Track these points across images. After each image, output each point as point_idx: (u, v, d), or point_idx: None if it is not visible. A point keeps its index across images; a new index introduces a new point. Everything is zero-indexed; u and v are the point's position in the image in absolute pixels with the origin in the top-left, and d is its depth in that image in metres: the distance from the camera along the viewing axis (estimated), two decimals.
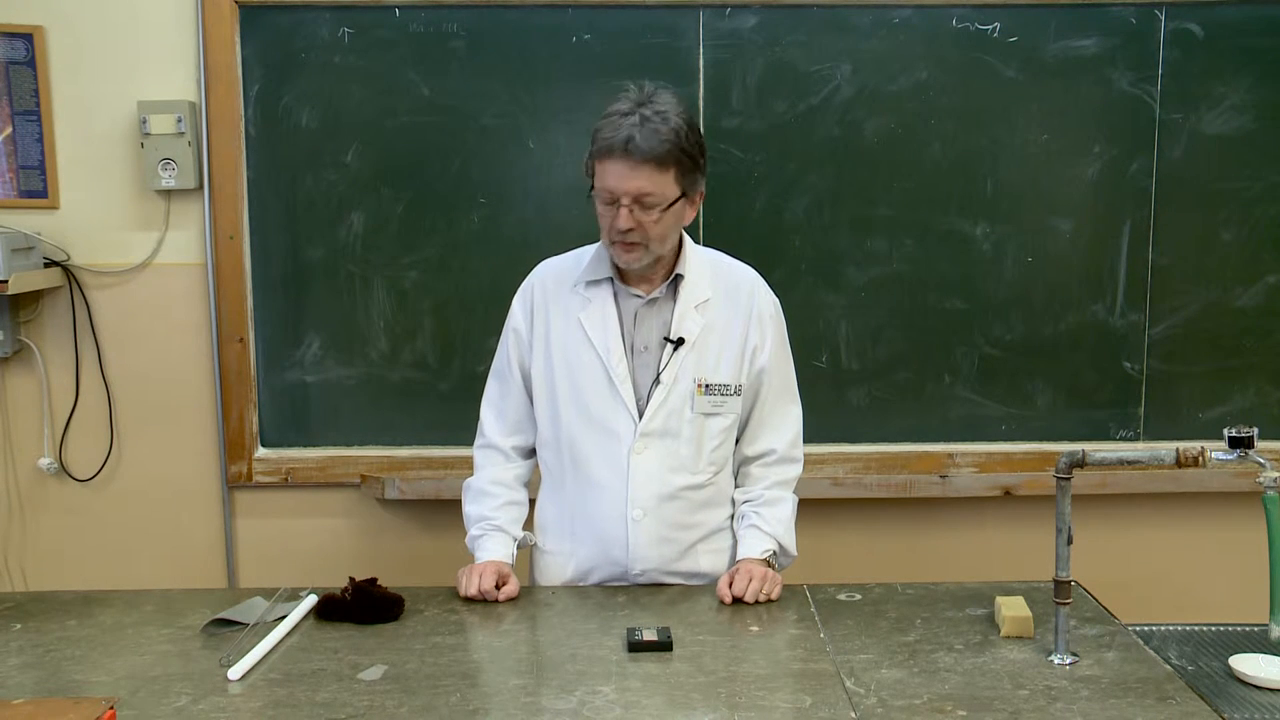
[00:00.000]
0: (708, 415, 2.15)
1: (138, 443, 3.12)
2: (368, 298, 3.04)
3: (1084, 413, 3.09)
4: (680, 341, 2.12)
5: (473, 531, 2.20)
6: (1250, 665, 1.83)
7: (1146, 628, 2.03)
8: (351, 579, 2.03)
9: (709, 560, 2.22)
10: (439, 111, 2.98)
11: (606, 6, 2.94)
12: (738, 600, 2.05)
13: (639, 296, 2.13)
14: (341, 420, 3.09)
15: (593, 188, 2.04)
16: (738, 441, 2.25)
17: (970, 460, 3.09)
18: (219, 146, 2.97)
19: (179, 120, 2.94)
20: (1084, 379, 3.08)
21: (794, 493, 2.30)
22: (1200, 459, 1.70)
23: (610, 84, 2.94)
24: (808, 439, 3.06)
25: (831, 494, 3.07)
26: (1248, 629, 2.03)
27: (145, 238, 3.04)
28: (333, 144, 2.99)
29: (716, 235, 3.00)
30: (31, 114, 2.98)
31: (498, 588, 2.07)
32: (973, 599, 2.06)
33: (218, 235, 3.01)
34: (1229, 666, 1.85)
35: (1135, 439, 3.10)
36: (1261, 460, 1.69)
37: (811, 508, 3.13)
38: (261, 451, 3.10)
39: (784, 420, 2.27)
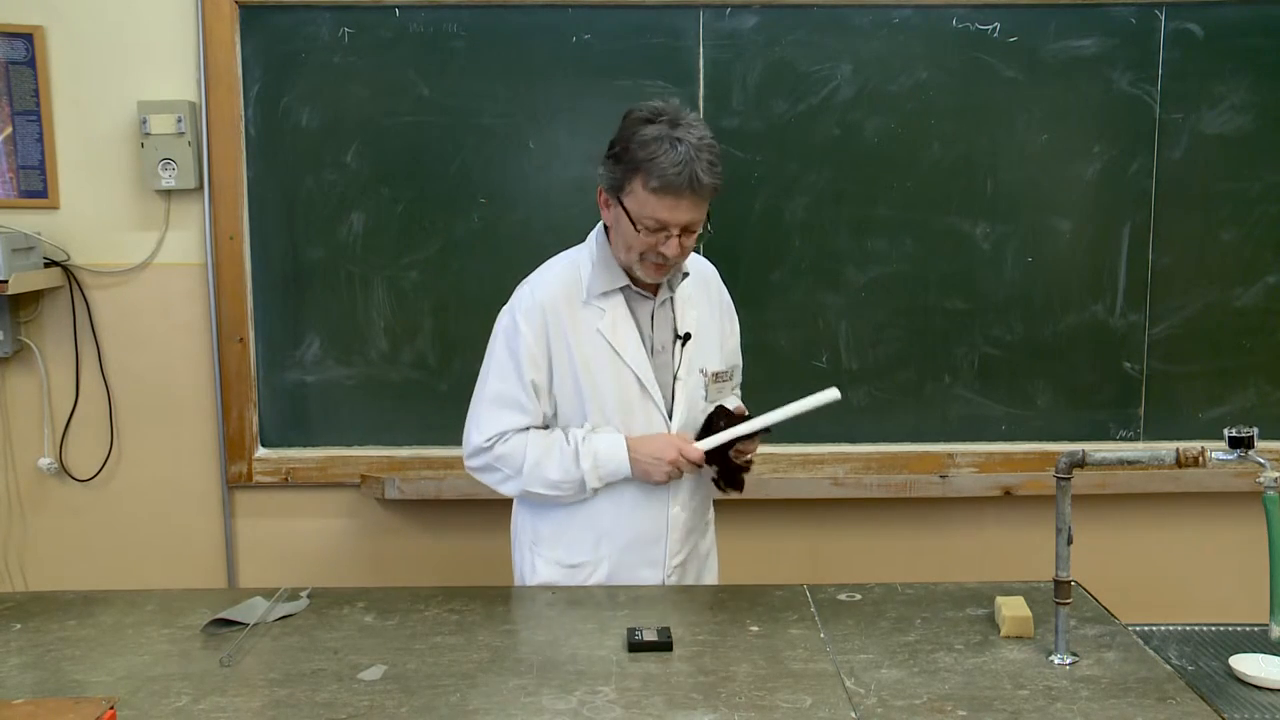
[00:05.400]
0: (714, 402, 2.23)
1: (138, 443, 3.12)
2: (368, 298, 3.04)
3: (1084, 413, 3.09)
4: (689, 336, 2.17)
5: (584, 460, 2.08)
6: (1250, 665, 1.83)
7: (1146, 628, 2.03)
8: None
9: (705, 543, 2.32)
10: (439, 111, 2.98)
11: (606, 6, 2.94)
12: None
13: (649, 298, 2.15)
14: (341, 420, 3.09)
15: (620, 204, 2.02)
16: None
17: (970, 460, 3.09)
18: (219, 146, 2.97)
19: (179, 120, 2.94)
20: (1084, 379, 3.08)
21: None
22: (1200, 459, 1.70)
23: (610, 84, 2.95)
24: (808, 439, 3.09)
25: (831, 494, 3.07)
26: (1248, 629, 2.03)
27: (145, 238, 3.04)
28: (333, 144, 2.99)
29: (716, 235, 2.98)
30: (31, 114, 2.98)
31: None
32: (973, 599, 2.06)
33: (218, 235, 3.01)
34: (1229, 666, 1.85)
35: (1135, 439, 3.10)
36: (1261, 460, 1.69)
37: (811, 508, 3.14)
38: (261, 451, 3.10)
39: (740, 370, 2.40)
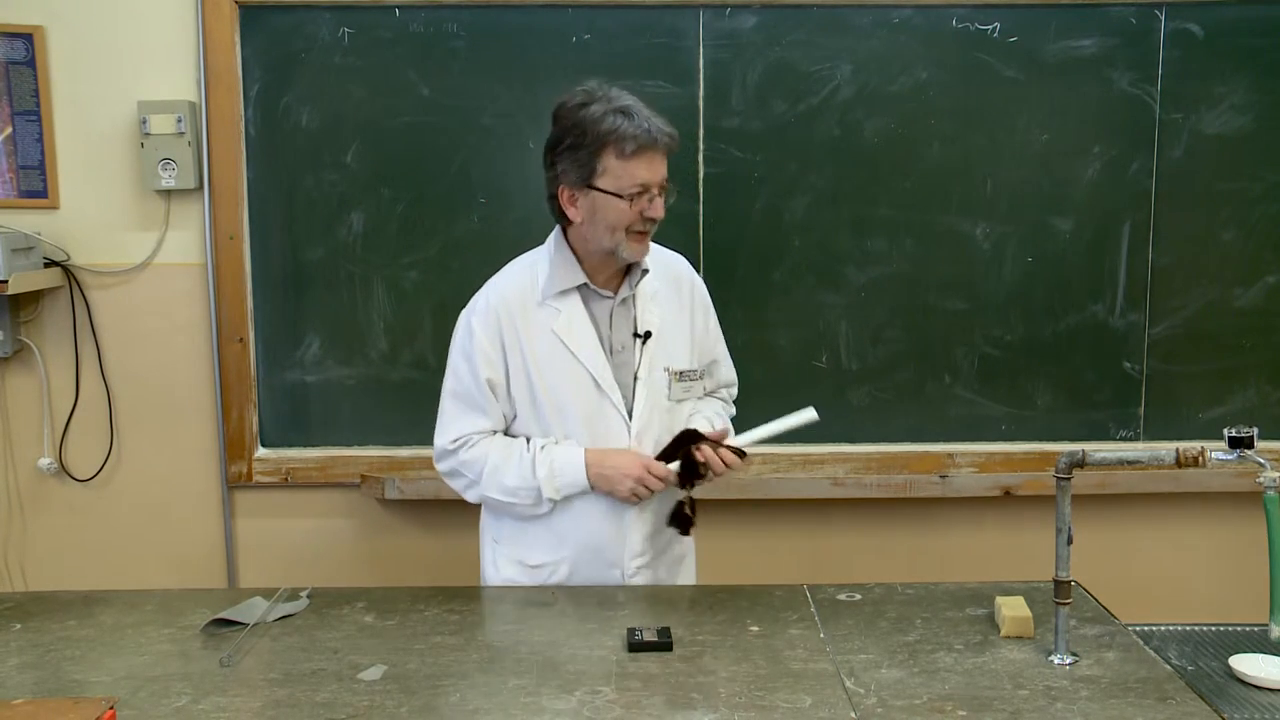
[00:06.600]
0: (680, 401, 2.20)
1: (138, 443, 3.12)
2: (368, 298, 3.04)
3: (1084, 413, 3.09)
4: (648, 334, 2.15)
5: (540, 468, 2.09)
6: (1250, 665, 1.84)
7: (1146, 628, 2.03)
8: None
9: (679, 547, 2.28)
10: (439, 111, 2.98)
11: (606, 6, 2.94)
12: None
13: (608, 297, 2.13)
14: (341, 420, 3.09)
15: (594, 186, 2.03)
16: None
17: (970, 460, 3.09)
18: (219, 146, 2.98)
19: (179, 120, 2.94)
20: (1084, 379, 3.08)
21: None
22: (1200, 459, 1.70)
23: (610, 84, 2.94)
24: (808, 439, 3.09)
25: (831, 494, 3.07)
26: (1248, 629, 2.03)
27: (145, 238, 3.04)
28: (333, 144, 2.99)
29: (716, 235, 3.00)
30: (31, 114, 2.98)
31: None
32: (973, 599, 2.06)
33: (218, 235, 3.01)
34: (1229, 666, 1.86)
35: (1135, 439, 3.10)
36: (1261, 460, 1.69)
37: (811, 508, 3.14)
38: (261, 451, 3.10)
39: (729, 367, 2.39)
